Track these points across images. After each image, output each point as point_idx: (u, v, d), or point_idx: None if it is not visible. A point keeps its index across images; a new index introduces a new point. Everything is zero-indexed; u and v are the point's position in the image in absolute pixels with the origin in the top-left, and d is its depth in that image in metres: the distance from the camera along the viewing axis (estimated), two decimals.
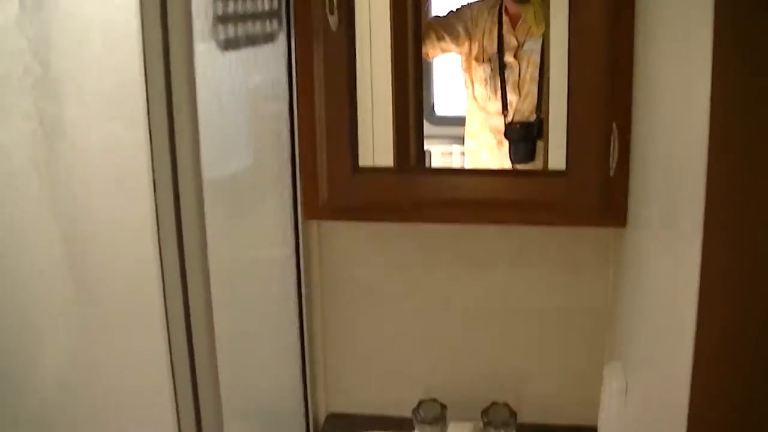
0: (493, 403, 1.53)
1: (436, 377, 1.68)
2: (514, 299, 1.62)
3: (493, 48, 1.57)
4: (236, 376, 1.38)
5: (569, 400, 1.65)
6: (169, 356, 1.09)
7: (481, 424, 1.53)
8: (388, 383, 1.70)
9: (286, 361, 1.61)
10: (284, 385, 1.62)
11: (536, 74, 1.55)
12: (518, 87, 1.57)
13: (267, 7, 1.40)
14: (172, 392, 1.10)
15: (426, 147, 1.60)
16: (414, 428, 1.56)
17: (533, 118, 1.57)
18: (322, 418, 1.73)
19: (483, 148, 1.63)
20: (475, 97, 1.61)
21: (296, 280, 1.61)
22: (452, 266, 1.63)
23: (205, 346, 1.12)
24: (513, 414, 1.51)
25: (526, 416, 1.61)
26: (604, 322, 1.60)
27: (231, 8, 1.24)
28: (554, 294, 1.61)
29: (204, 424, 1.15)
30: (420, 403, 1.54)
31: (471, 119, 1.64)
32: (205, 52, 1.13)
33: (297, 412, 1.66)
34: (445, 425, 1.53)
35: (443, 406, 1.54)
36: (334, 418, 1.72)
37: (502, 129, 1.60)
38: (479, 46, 1.57)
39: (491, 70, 1.58)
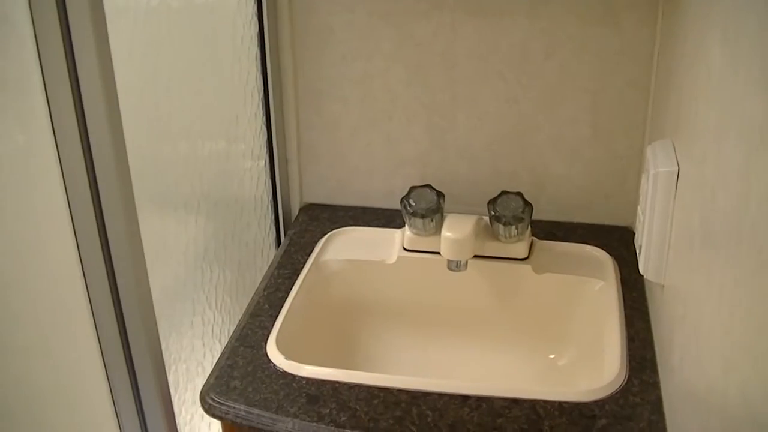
0: (504, 193, 1.23)
1: (432, 165, 1.37)
2: (532, 64, 1.28)
3: None
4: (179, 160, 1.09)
5: (597, 195, 1.35)
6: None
7: (487, 218, 1.23)
8: (374, 171, 1.40)
9: (247, 139, 1.30)
10: (246, 170, 1.32)
11: None
12: None
13: None
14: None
15: None
16: (404, 222, 1.27)
17: None
18: (296, 209, 1.44)
19: None
20: None
21: (258, 34, 1.28)
22: (456, 14, 1.28)
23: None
24: (528, 206, 1.21)
25: (542, 213, 1.32)
26: (647, 95, 1.27)
27: None
28: (585, 58, 1.26)
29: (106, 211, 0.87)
30: (411, 190, 1.24)
31: None
32: None
33: (262, 201, 1.36)
34: (441, 217, 1.23)
35: (440, 194, 1.24)
36: (310, 209, 1.43)
37: None
38: None
39: None
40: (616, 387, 1.02)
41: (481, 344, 1.24)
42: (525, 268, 1.23)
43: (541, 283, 1.22)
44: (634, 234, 1.33)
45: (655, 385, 1.02)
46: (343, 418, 0.98)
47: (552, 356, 1.21)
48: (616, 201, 1.34)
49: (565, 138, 1.31)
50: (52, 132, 0.82)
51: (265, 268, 1.29)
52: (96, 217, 0.87)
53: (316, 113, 1.36)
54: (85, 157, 0.84)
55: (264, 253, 1.38)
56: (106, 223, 0.89)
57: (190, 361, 1.15)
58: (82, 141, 0.83)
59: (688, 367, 0.89)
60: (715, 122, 0.85)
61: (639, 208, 1.10)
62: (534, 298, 1.23)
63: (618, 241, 1.31)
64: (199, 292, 1.18)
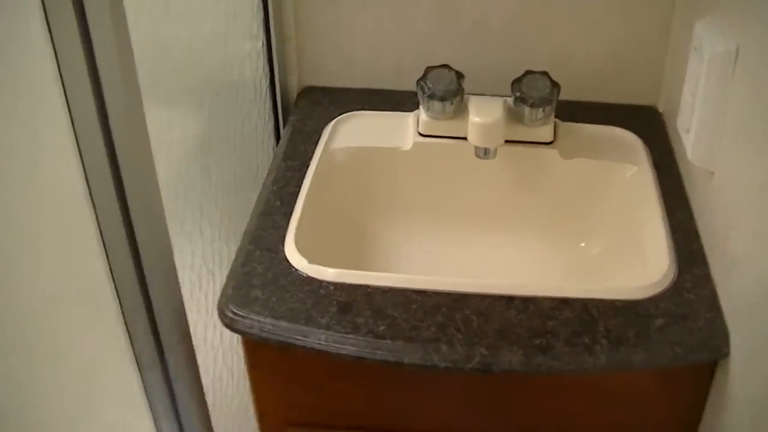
0: (528, 72, 1.13)
1: (443, 43, 1.25)
2: None
3: None
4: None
5: (620, 73, 1.25)
6: None
7: (511, 100, 1.13)
8: (380, 50, 1.27)
9: (245, 17, 1.17)
10: (245, 53, 1.19)
11: None
12: None
13: None
14: None
15: None
16: (417, 105, 1.16)
17: None
18: (293, 94, 1.31)
19: None
20: None
21: None
22: None
23: None
24: (556, 86, 1.11)
25: (562, 92, 1.22)
26: None
27: None
28: None
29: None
30: (427, 70, 1.13)
31: None
32: None
33: (261, 85, 1.24)
34: (462, 101, 1.13)
35: (459, 75, 1.13)
36: (309, 93, 1.31)
37: None
38: None
39: None
40: (667, 283, 0.95)
41: (508, 235, 1.16)
42: (552, 152, 1.14)
43: (569, 169, 1.14)
44: (659, 113, 1.25)
45: (707, 278, 0.96)
46: (382, 328, 0.90)
47: (582, 245, 1.14)
48: (640, 79, 1.25)
49: (585, 13, 1.20)
50: (45, 18, 0.68)
51: (266, 160, 1.18)
52: (98, 109, 0.74)
53: None
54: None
55: (264, 143, 1.26)
56: (109, 116, 0.76)
57: (200, 266, 1.05)
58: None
59: (761, 260, 0.82)
60: None
61: (685, 88, 1.01)
62: (562, 184, 1.15)
63: (643, 122, 1.22)
64: (199, 190, 1.07)
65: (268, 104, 1.25)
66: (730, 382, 0.89)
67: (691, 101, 0.98)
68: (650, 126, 1.21)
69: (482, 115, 1.07)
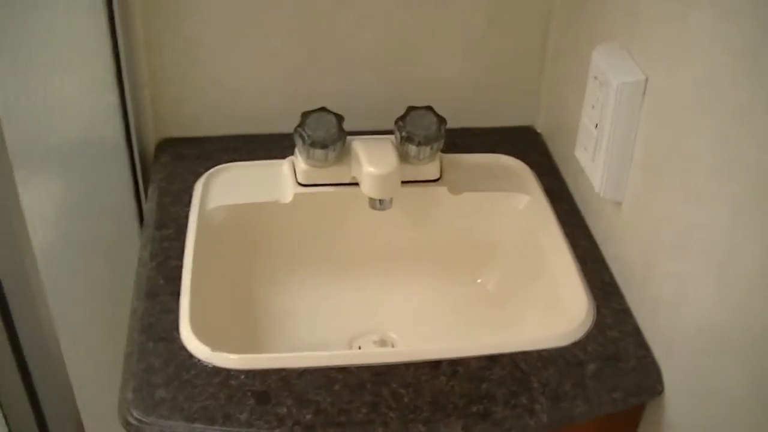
0: (412, 108, 1.06)
1: (311, 78, 1.16)
2: None
3: None
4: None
5: (495, 96, 1.22)
6: None
7: (396, 138, 1.06)
8: (242, 91, 1.16)
9: (86, 57, 1.03)
10: (92, 102, 1.05)
11: None
12: None
13: None
14: None
15: None
16: (289, 149, 1.08)
17: None
18: (151, 146, 1.18)
19: None
20: None
21: None
22: None
23: None
24: (442, 121, 1.06)
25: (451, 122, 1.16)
26: None
27: None
28: None
29: None
30: (305, 116, 1.04)
31: None
32: None
33: (116, 142, 1.11)
34: (343, 145, 1.05)
35: (339, 117, 1.05)
36: (169, 145, 1.18)
37: None
38: None
39: None
40: (589, 323, 0.92)
41: (405, 277, 1.10)
42: (440, 190, 1.09)
43: (459, 204, 1.09)
44: (538, 134, 1.22)
45: (627, 313, 0.94)
46: (308, 416, 0.81)
47: (479, 281, 1.10)
48: (516, 101, 1.22)
49: (457, 37, 1.15)
50: None
51: (131, 225, 1.06)
52: None
53: (167, 28, 1.10)
54: None
55: (127, 207, 1.13)
56: None
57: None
58: None
59: (691, 302, 0.80)
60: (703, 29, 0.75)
61: (584, 115, 0.98)
62: (454, 221, 1.10)
63: (524, 145, 1.19)
64: (63, 263, 0.93)
65: (125, 161, 1.12)
66: (665, 418, 0.87)
67: (595, 131, 0.94)
68: (532, 148, 1.19)
69: (377, 165, 0.99)
